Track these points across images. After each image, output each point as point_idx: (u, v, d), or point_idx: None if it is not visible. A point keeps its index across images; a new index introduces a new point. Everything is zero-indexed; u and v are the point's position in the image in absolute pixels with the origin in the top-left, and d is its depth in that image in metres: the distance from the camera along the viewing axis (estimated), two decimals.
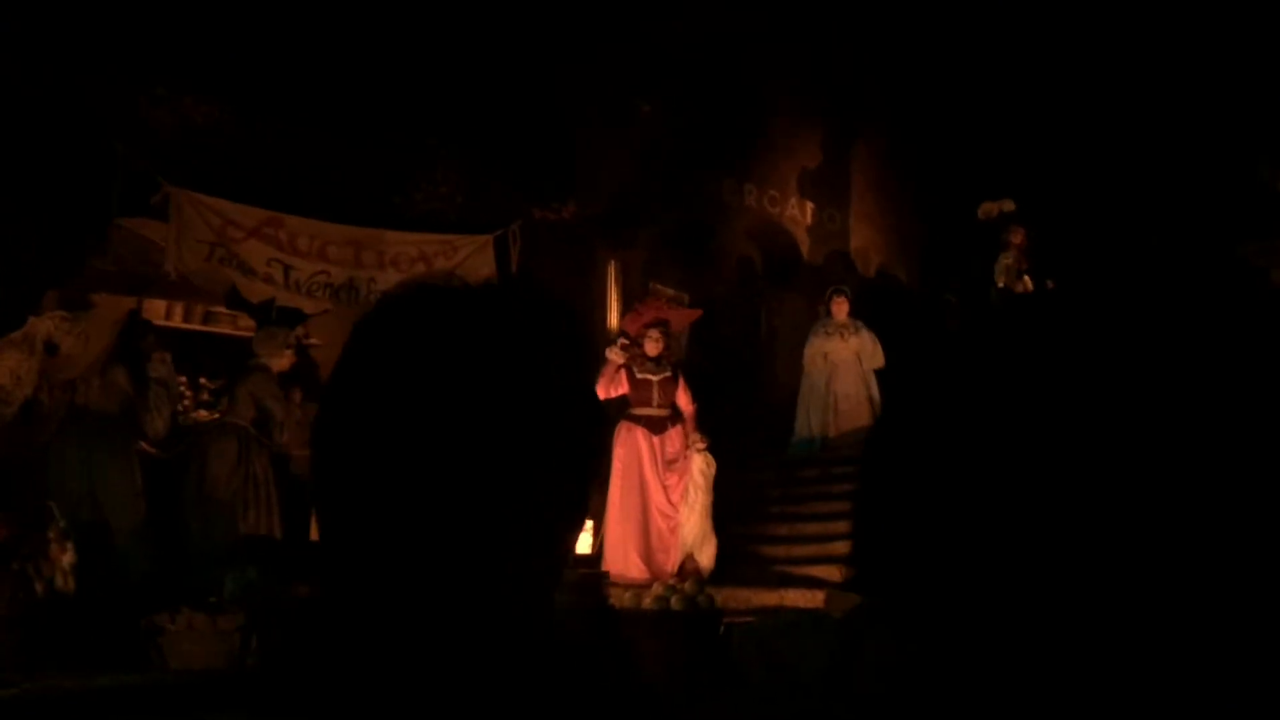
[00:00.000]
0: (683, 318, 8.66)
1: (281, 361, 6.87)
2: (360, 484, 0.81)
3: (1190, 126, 10.49)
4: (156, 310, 9.44)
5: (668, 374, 7.74)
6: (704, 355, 10.03)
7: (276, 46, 7.40)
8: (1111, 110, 10.70)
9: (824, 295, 9.96)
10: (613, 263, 9.75)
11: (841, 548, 7.39)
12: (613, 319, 9.81)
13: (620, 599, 5.81)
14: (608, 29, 9.08)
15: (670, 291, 10.16)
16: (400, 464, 0.79)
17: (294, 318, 7.87)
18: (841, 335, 9.78)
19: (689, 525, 7.41)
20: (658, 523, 7.43)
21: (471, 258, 8.80)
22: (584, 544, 6.21)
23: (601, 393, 7.62)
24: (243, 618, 4.87)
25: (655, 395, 7.65)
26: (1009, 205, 9.46)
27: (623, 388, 7.67)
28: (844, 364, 9.76)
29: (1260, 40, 9.88)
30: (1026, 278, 9.27)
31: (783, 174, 10.68)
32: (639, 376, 7.69)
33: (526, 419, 0.80)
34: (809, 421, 9.72)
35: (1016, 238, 9.27)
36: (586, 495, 0.85)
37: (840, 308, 9.87)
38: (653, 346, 7.74)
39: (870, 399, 9.87)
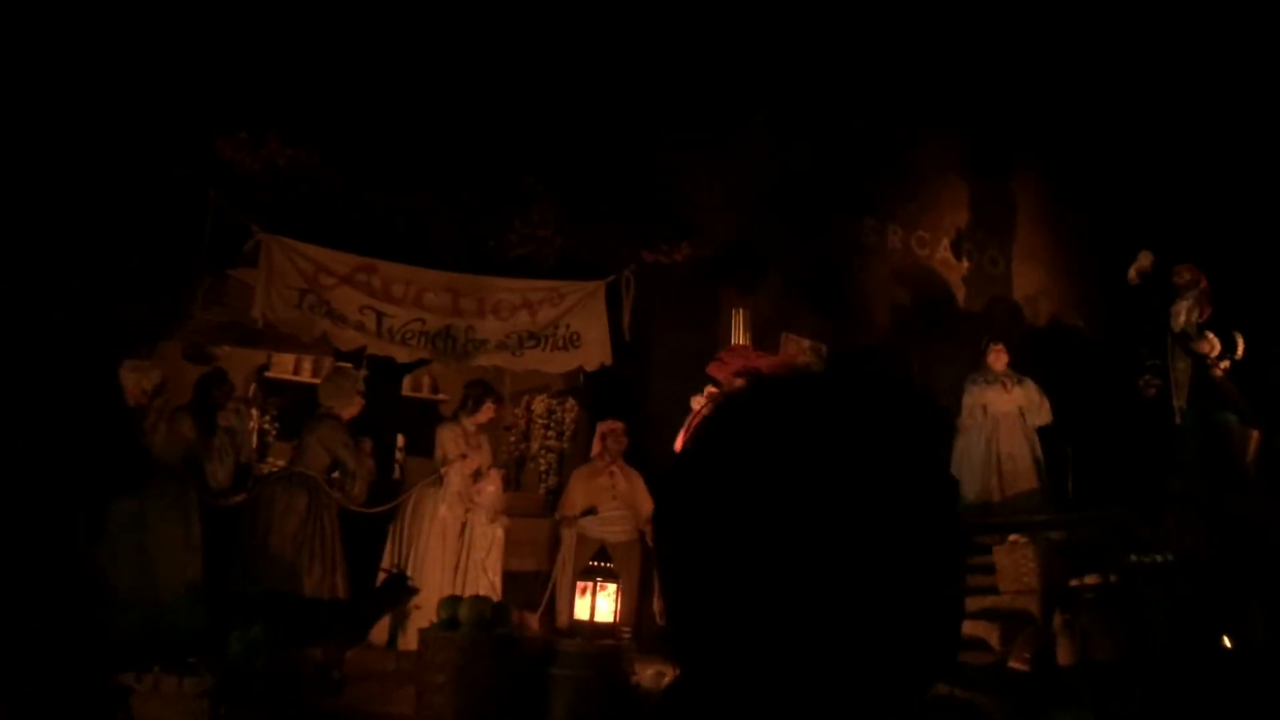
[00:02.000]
0: (774, 366, 7.77)
1: (351, 409, 6.48)
2: (725, 586, 0.80)
3: None
4: (285, 365, 9.41)
5: None
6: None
7: (364, 88, 7.18)
8: None
9: (981, 345, 8.86)
10: (739, 311, 8.98)
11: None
12: None
13: (644, 676, 4.96)
14: (720, 57, 8.47)
15: (806, 343, 9.29)
16: (763, 565, 0.78)
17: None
18: (1003, 385, 8.63)
19: None
20: None
21: (580, 306, 8.25)
22: (606, 610, 5.39)
23: (682, 445, 6.86)
24: (210, 681, 4.35)
25: None
26: (1148, 258, 8.18)
27: None
28: (1006, 418, 8.60)
29: None
30: (1210, 334, 7.88)
31: (932, 212, 9.66)
32: None
33: (891, 512, 0.80)
34: (967, 485, 8.54)
35: (1184, 277, 7.94)
36: (951, 594, 0.83)
37: (998, 358, 8.75)
38: None
39: (1037, 460, 8.65)
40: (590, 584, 5.39)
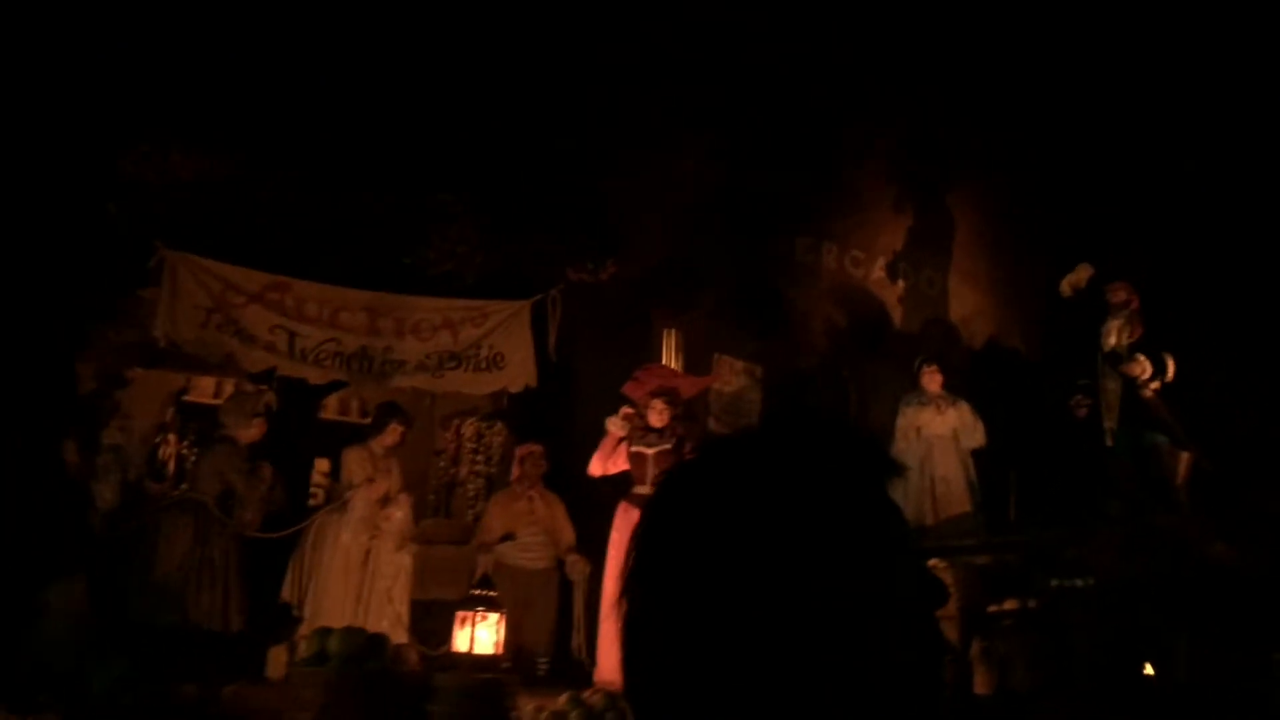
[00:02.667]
0: (693, 385, 7.60)
1: (250, 432, 6.24)
2: (690, 647, 0.80)
3: None
4: (205, 388, 9.13)
5: (667, 447, 6.66)
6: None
7: (275, 99, 6.98)
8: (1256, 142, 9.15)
9: (914, 366, 8.72)
10: (670, 331, 8.81)
11: None
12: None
13: (524, 710, 4.73)
14: (651, 69, 8.33)
15: (740, 364, 9.13)
16: (727, 625, 0.78)
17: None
18: (937, 407, 8.49)
19: None
20: None
21: (504, 325, 8.06)
22: (486, 641, 5.16)
23: (597, 468, 6.65)
24: None
25: (651, 471, 6.59)
26: (1086, 271, 8.08)
27: (622, 463, 6.66)
28: (940, 441, 8.45)
29: None
30: (1140, 356, 7.78)
31: (867, 231, 9.54)
32: (634, 450, 6.65)
33: (851, 567, 0.80)
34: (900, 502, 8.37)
35: (1118, 296, 7.85)
36: (924, 642, 0.83)
37: (932, 379, 8.60)
38: (656, 417, 6.71)
39: (970, 483, 8.51)
40: (470, 614, 5.16)
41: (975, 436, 8.52)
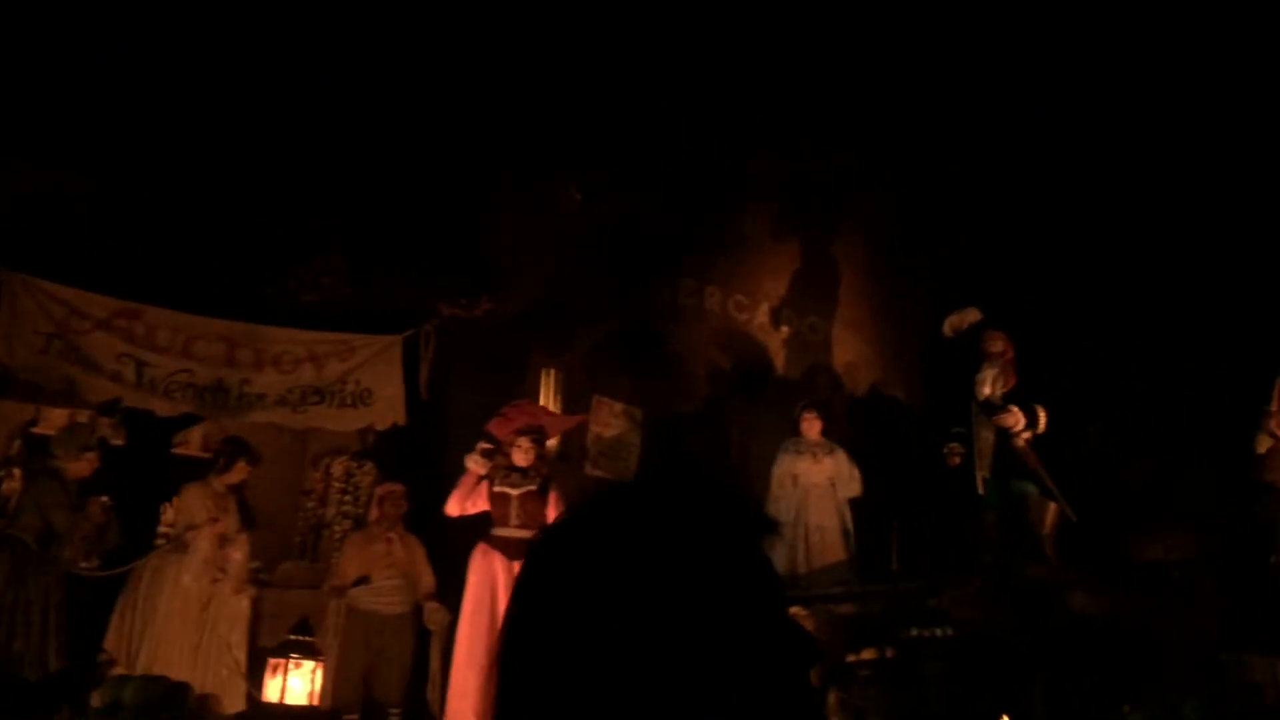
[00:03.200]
0: (561, 423, 7.42)
1: (80, 465, 5.86)
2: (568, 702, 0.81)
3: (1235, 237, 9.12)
4: (56, 420, 8.63)
5: (532, 488, 6.46)
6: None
7: (131, 113, 6.67)
8: (1132, 191, 9.41)
9: (794, 412, 8.67)
10: (549, 371, 8.63)
11: None
12: (550, 442, 8.64)
13: None
14: (535, 105, 8.23)
15: (619, 406, 8.98)
16: (604, 682, 0.79)
17: None
18: (814, 455, 8.43)
19: None
20: None
21: (372, 360, 7.80)
22: (299, 691, 4.87)
23: (455, 508, 6.41)
24: None
25: (514, 512, 6.37)
26: (973, 315, 8.15)
27: (482, 503, 6.43)
28: (816, 489, 8.39)
29: None
30: (1014, 407, 7.85)
31: (752, 276, 9.53)
32: (497, 490, 6.43)
33: (724, 623, 0.81)
34: (774, 557, 8.26)
35: (995, 346, 7.91)
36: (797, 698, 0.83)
37: (811, 426, 8.54)
38: (521, 456, 6.50)
39: (846, 532, 8.45)
40: (282, 661, 4.85)
41: (852, 486, 8.48)
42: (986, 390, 8.13)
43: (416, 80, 7.49)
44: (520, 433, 6.59)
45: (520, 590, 0.89)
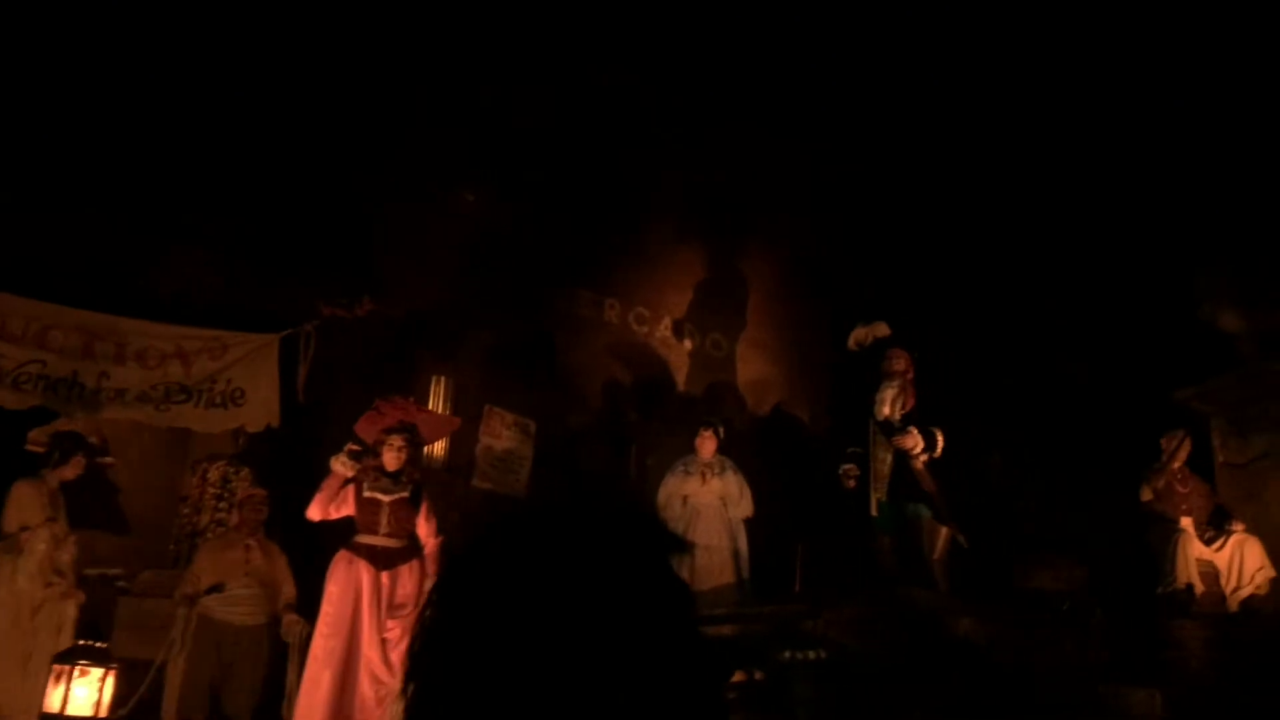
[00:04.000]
0: (437, 426, 7.09)
1: None
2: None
3: (1126, 260, 9.14)
4: None
5: (404, 494, 6.13)
6: (554, 494, 8.49)
7: None
8: (1038, 228, 9.40)
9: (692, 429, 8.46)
10: (439, 379, 8.33)
11: None
12: (437, 451, 8.32)
13: None
14: (434, 108, 7.97)
15: (511, 417, 8.70)
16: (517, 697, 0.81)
17: None
18: (703, 476, 8.21)
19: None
20: (364, 689, 5.65)
21: (247, 359, 7.43)
22: (84, 701, 4.51)
23: (317, 512, 6.06)
24: None
25: (385, 520, 6.02)
26: (882, 330, 7.98)
27: (348, 508, 6.08)
28: (706, 509, 8.17)
29: (1196, 166, 8.60)
30: (913, 429, 7.71)
31: (655, 290, 9.33)
32: (366, 495, 6.08)
33: (634, 641, 0.83)
34: None
35: (897, 364, 7.76)
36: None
37: (706, 444, 8.33)
38: (392, 458, 6.16)
39: (737, 553, 8.23)
40: (66, 669, 4.47)
41: (743, 506, 8.27)
42: (886, 410, 7.97)
43: (298, 73, 7.19)
44: (390, 431, 6.24)
45: (438, 605, 0.88)
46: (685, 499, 8.15)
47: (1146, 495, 7.71)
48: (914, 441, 7.82)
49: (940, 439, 7.89)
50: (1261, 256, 7.85)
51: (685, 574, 7.88)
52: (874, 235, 9.69)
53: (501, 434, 8.60)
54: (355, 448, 6.27)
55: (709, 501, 8.16)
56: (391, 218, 7.80)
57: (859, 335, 8.07)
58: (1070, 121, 8.82)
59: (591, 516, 0.90)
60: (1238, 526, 7.30)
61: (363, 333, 7.88)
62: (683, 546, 7.66)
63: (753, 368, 9.76)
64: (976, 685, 6.07)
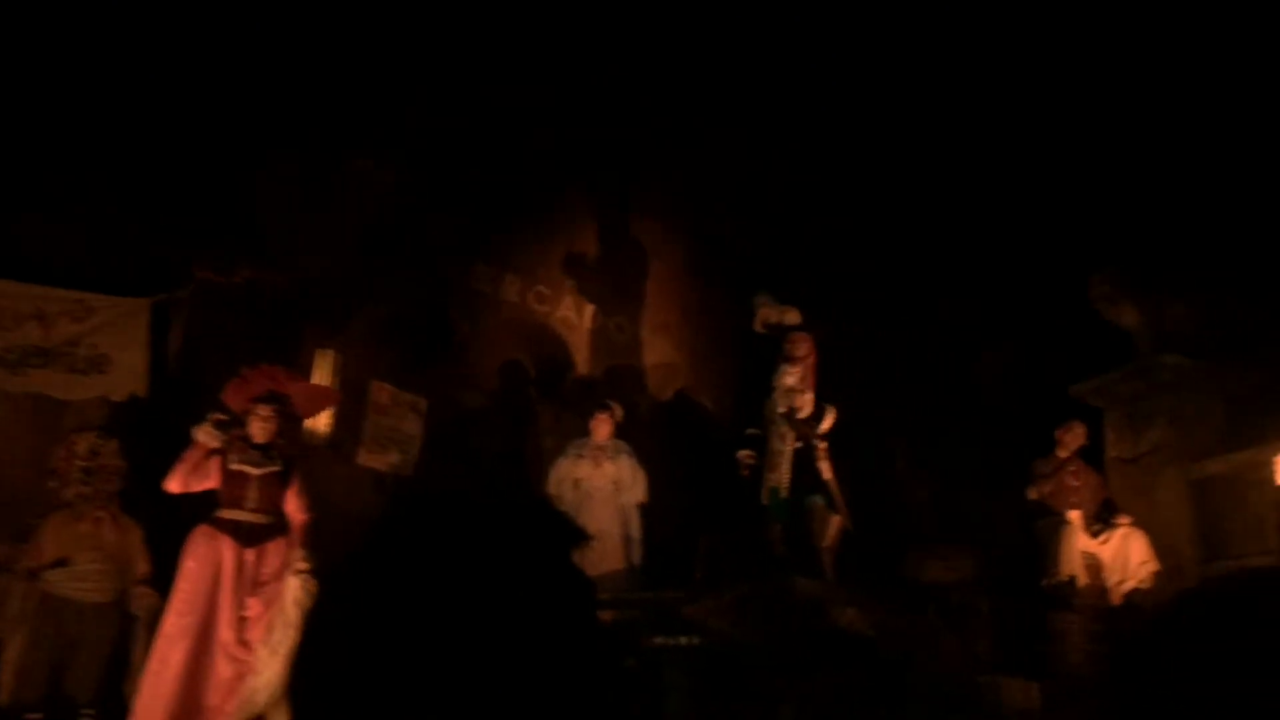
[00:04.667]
0: (313, 398, 6.77)
1: None
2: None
3: (1027, 252, 9.12)
4: None
5: (275, 469, 5.83)
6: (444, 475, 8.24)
7: None
8: (945, 218, 9.35)
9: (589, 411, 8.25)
10: (326, 353, 7.99)
11: None
12: (320, 427, 8.00)
13: None
14: (326, 67, 7.64)
15: (402, 394, 8.40)
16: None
17: None
18: (596, 460, 8.01)
19: (265, 675, 5.34)
20: (220, 668, 5.35)
21: (113, 324, 7.04)
22: None
23: (176, 484, 5.73)
24: None
25: (252, 494, 5.72)
26: (792, 315, 7.85)
27: (210, 480, 5.76)
28: (598, 494, 7.97)
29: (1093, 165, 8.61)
30: (809, 395, 7.60)
31: (557, 268, 9.09)
32: (233, 468, 5.76)
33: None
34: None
35: (799, 349, 7.63)
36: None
37: (601, 427, 8.13)
38: (260, 429, 5.84)
39: (628, 539, 8.05)
40: None
41: (636, 490, 8.08)
42: (791, 404, 7.82)
43: (178, 21, 6.83)
44: (259, 400, 5.93)
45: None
46: (577, 483, 7.95)
47: (1033, 495, 7.68)
48: (806, 403, 7.64)
49: (830, 418, 7.72)
50: (1155, 252, 7.86)
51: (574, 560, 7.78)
52: (785, 222, 9.57)
53: (390, 411, 8.31)
54: (222, 417, 5.94)
55: (601, 485, 7.96)
56: (277, 182, 7.46)
57: (766, 315, 7.92)
58: (975, 113, 8.77)
59: (489, 505, 0.92)
60: (1123, 520, 7.30)
61: (245, 301, 7.54)
62: (579, 536, 7.43)
63: (657, 352, 9.58)
64: (853, 675, 5.95)
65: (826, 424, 7.43)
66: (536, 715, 0.85)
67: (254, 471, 5.86)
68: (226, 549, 5.65)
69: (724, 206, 9.47)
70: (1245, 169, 7.96)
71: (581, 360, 9.19)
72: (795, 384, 7.67)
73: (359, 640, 0.84)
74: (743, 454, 8.03)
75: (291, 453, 6.17)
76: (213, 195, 7.17)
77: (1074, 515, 7.39)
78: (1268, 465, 6.61)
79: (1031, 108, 8.50)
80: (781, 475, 7.64)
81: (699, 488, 8.83)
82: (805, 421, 7.47)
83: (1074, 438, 7.81)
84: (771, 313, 7.91)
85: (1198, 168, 8.09)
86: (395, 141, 8.04)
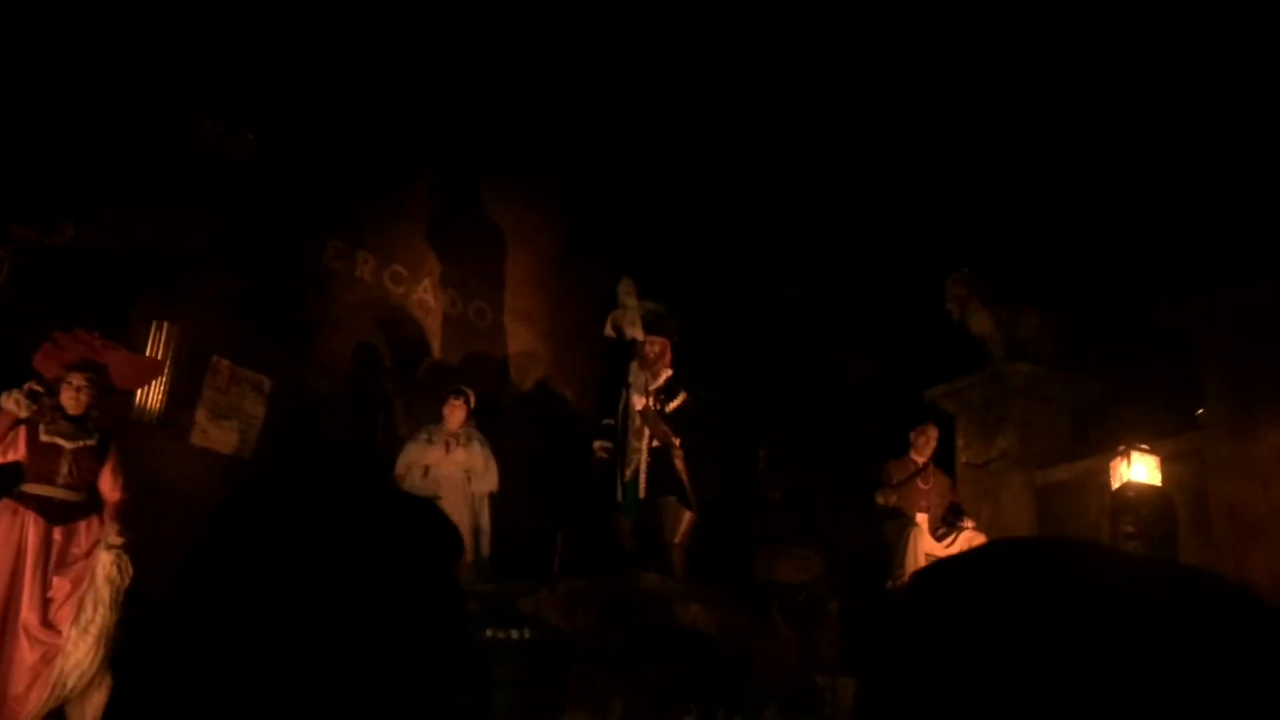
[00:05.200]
0: (134, 368, 6.34)
1: None
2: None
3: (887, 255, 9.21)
4: None
5: (91, 443, 5.43)
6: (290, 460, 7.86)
7: None
8: (813, 223, 9.37)
9: (442, 397, 7.96)
10: (161, 325, 7.55)
11: None
12: (153, 403, 7.55)
13: None
14: (165, 11, 7.20)
15: (246, 373, 7.99)
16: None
17: None
18: (447, 446, 7.74)
19: (75, 657, 4.97)
20: (23, 652, 4.97)
21: None
22: None
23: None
24: None
25: (64, 469, 5.31)
26: (636, 331, 7.66)
27: (15, 453, 5.33)
28: (448, 482, 7.69)
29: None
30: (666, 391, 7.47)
31: (415, 248, 8.78)
32: (44, 440, 5.34)
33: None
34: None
35: (650, 349, 7.51)
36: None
37: (455, 413, 7.85)
38: (70, 399, 5.42)
39: (478, 529, 7.80)
40: None
41: (487, 480, 7.84)
42: (639, 400, 7.67)
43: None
44: (72, 368, 5.50)
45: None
46: (427, 469, 7.67)
47: (880, 499, 7.71)
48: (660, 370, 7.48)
49: (679, 400, 7.57)
50: (1011, 260, 7.99)
51: None
52: (657, 215, 9.46)
53: (230, 390, 7.89)
54: (36, 387, 5.50)
55: (451, 474, 7.69)
56: (111, 140, 7.00)
57: (616, 321, 7.76)
58: (845, 113, 8.81)
59: (335, 492, 0.91)
60: (968, 523, 7.38)
61: (71, 264, 7.05)
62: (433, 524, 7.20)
63: (519, 340, 9.35)
64: (689, 671, 5.85)
65: (675, 404, 7.31)
66: (361, 707, 0.82)
67: (67, 445, 5.44)
68: (32, 526, 5.24)
69: (596, 197, 9.30)
70: (1102, 181, 8.17)
71: (438, 345, 8.90)
72: (649, 382, 7.54)
73: (190, 629, 0.82)
74: (597, 444, 7.86)
75: (109, 426, 5.77)
76: (34, 154, 6.68)
77: (921, 518, 7.44)
78: (1106, 473, 6.75)
79: (898, 109, 8.56)
80: (636, 471, 7.51)
81: (560, 480, 8.65)
82: (661, 416, 7.34)
83: (927, 441, 7.86)
84: (621, 319, 7.74)
85: (1055, 180, 8.26)
86: (249, 108, 7.64)
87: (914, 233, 8.66)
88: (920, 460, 7.80)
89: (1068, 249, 8.13)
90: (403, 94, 8.36)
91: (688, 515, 7.39)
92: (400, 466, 7.60)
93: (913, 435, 7.90)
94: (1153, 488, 5.57)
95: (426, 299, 8.75)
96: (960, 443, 8.15)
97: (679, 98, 9.07)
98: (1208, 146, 7.19)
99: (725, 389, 9.47)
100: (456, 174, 8.85)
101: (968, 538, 7.34)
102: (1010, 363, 7.77)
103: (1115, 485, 5.76)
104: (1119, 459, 5.73)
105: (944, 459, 8.14)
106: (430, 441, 7.71)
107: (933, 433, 7.90)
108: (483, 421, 8.13)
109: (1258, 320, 6.07)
